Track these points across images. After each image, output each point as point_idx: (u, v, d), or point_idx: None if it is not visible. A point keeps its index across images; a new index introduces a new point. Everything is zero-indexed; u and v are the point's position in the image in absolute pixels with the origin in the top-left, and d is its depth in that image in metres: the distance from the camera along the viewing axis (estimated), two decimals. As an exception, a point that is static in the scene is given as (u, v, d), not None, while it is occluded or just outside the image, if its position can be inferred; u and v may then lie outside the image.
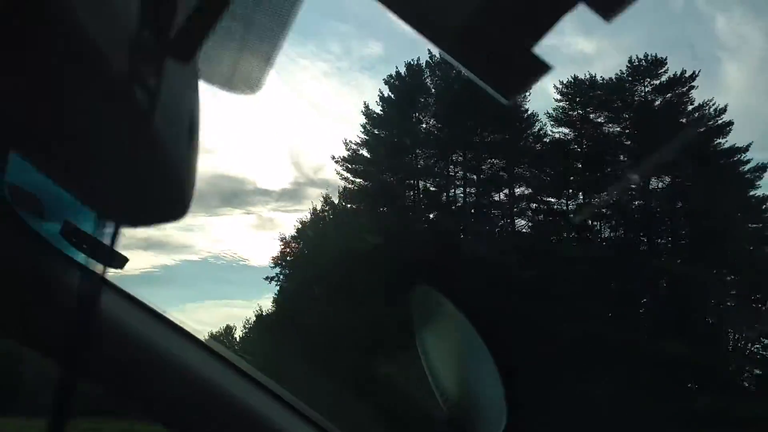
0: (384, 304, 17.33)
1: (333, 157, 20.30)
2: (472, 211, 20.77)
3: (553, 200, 21.03)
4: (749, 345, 19.72)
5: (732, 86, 27.79)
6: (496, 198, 21.21)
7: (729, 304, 20.06)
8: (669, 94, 18.93)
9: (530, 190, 21.24)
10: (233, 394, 0.74)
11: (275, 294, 23.21)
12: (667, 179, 19.06)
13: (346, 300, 18.00)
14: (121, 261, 0.66)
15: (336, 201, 20.88)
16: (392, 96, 20.16)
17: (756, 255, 19.44)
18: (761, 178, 19.34)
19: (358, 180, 19.64)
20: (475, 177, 20.62)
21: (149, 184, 0.41)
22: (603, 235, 20.33)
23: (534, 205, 21.20)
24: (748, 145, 18.02)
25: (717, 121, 17.92)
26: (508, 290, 18.19)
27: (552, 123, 20.22)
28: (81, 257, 0.66)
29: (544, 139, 21.16)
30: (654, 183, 19.18)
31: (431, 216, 19.37)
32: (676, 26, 28.83)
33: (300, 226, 21.95)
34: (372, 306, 16.57)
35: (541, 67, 0.35)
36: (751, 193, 19.34)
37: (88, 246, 0.64)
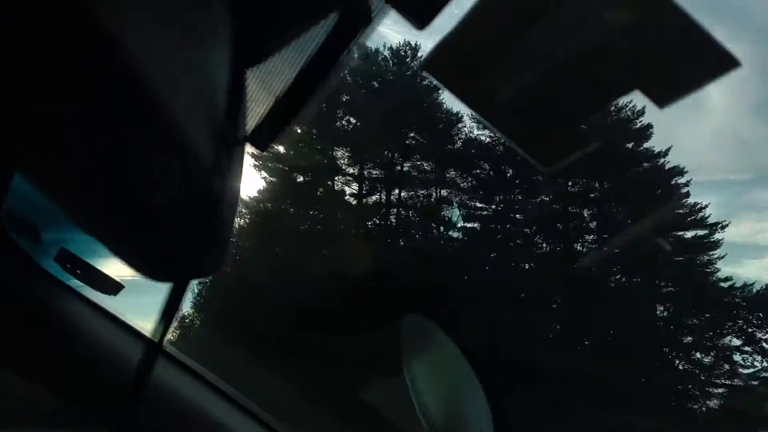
0: (296, 313, 16.44)
1: (250, 153, 19.32)
2: (394, 215, 20.03)
3: (481, 205, 20.41)
4: (679, 358, 19.25)
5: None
6: (423, 202, 20.51)
7: (660, 314, 19.68)
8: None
9: (459, 194, 20.61)
10: (188, 396, 0.72)
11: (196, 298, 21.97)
12: (590, 183, 18.59)
13: (256, 307, 17.05)
14: (115, 287, 0.67)
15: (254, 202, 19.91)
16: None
17: (684, 263, 19.11)
18: (689, 186, 19.08)
19: (272, 179, 18.77)
20: (399, 179, 19.92)
21: (200, 246, 0.43)
22: (529, 241, 19.70)
23: (463, 211, 20.58)
24: (668, 150, 17.68)
25: (636, 123, 17.53)
26: (433, 298, 17.42)
27: (477, 125, 19.65)
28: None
29: (474, 142, 20.60)
30: (574, 188, 18.67)
31: (349, 219, 18.54)
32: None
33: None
34: (270, 313, 15.60)
35: (584, 143, 0.36)
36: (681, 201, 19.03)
37: (82, 272, 0.65)
